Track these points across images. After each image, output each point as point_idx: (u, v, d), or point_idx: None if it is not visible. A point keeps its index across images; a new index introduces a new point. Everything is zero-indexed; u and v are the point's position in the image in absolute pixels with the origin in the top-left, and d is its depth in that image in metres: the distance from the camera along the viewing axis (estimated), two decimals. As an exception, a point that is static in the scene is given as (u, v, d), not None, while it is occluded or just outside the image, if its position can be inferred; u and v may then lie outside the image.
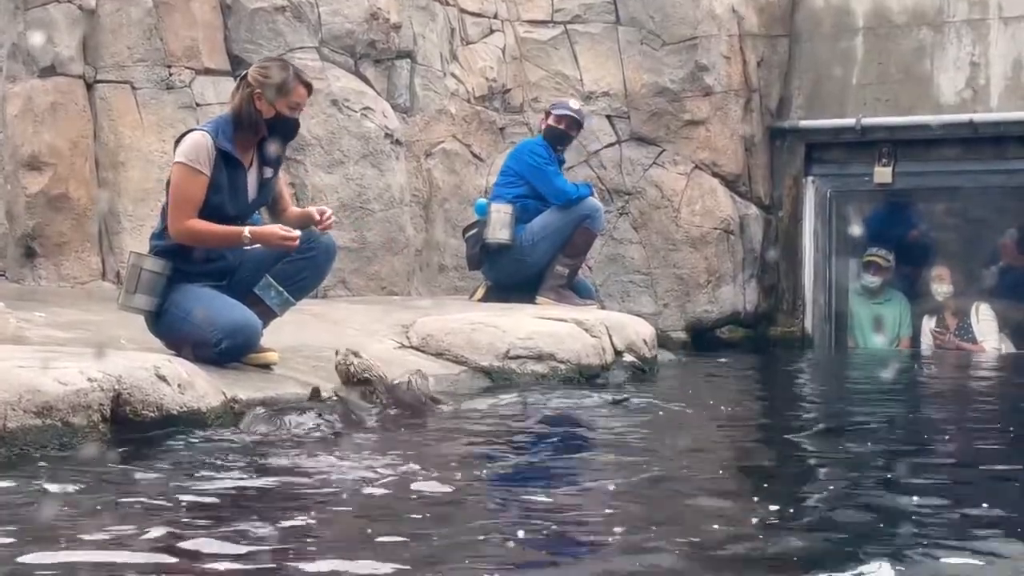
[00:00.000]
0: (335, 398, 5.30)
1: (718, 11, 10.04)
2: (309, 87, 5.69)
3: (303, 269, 5.73)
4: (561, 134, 8.56)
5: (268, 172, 5.70)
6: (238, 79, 5.77)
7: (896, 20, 10.20)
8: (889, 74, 10.21)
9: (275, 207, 5.84)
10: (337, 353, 5.45)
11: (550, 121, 8.57)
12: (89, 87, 8.14)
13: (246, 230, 5.50)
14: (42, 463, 4.11)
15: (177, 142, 5.64)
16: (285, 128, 5.64)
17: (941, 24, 10.06)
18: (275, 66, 5.71)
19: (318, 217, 5.67)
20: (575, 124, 8.60)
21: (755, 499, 3.97)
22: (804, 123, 10.45)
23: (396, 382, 5.47)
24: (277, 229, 5.54)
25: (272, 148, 5.63)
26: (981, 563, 3.13)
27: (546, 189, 8.43)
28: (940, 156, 10.20)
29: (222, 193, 5.52)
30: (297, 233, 5.50)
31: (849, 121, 10.23)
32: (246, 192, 5.63)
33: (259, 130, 5.58)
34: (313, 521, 3.56)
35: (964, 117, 9.93)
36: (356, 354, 5.43)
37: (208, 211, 5.50)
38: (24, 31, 7.99)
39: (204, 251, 5.60)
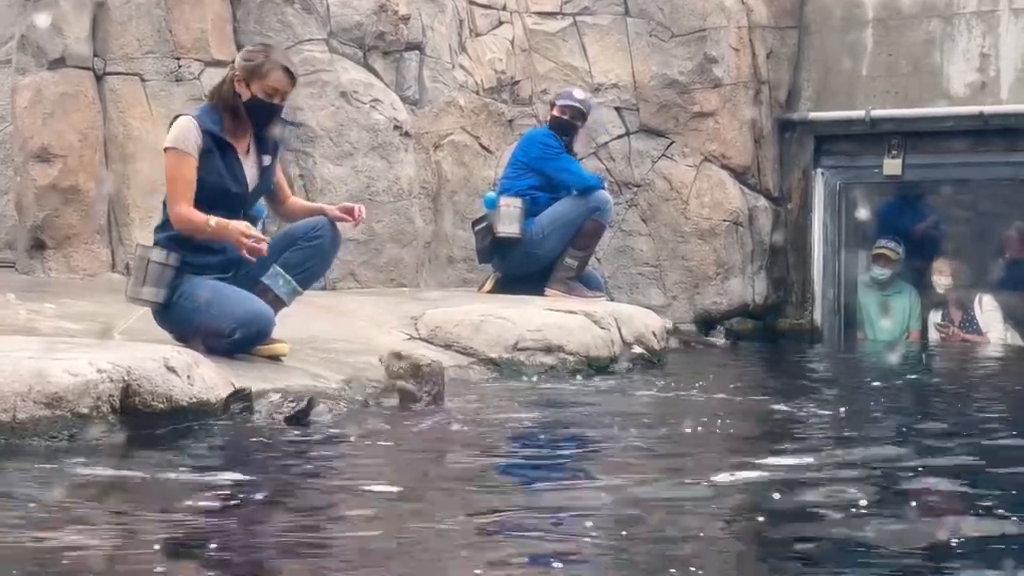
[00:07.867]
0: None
1: (727, 3, 10.02)
2: (291, 75, 5.58)
3: (310, 257, 5.70)
4: (566, 124, 8.54)
5: (266, 160, 5.69)
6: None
7: (906, 11, 10.17)
8: (899, 66, 10.19)
9: (275, 197, 5.84)
10: (381, 359, 5.56)
11: (554, 112, 8.57)
12: (98, 79, 8.15)
13: (212, 220, 5.39)
14: (51, 453, 4.12)
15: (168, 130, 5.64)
16: (262, 114, 5.57)
17: (951, 16, 10.04)
18: (260, 49, 5.71)
19: (349, 218, 5.69)
20: (579, 114, 8.57)
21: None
22: (813, 115, 10.43)
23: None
24: (241, 227, 5.37)
25: (275, 132, 5.62)
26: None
27: (562, 176, 8.40)
28: (950, 148, 10.18)
29: (221, 177, 5.50)
30: (262, 239, 5.42)
31: (859, 113, 10.21)
32: (244, 177, 5.62)
33: (237, 111, 5.55)
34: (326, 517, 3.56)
35: (974, 109, 9.90)
36: (399, 356, 5.50)
37: (211, 192, 5.47)
38: (33, 23, 7.99)
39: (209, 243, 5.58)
